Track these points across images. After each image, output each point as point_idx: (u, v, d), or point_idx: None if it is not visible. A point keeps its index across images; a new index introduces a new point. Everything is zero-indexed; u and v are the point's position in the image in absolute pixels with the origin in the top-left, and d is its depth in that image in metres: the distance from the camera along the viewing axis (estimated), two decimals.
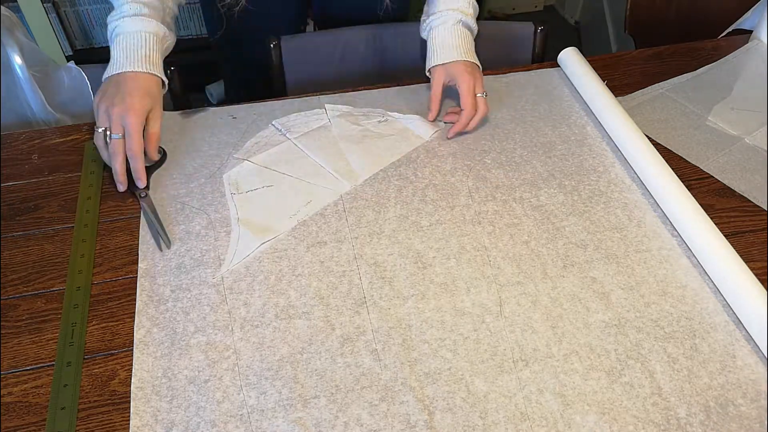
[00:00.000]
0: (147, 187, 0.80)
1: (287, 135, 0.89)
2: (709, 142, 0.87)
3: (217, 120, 0.92)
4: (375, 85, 0.99)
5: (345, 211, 0.78)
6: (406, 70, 0.97)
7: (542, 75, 1.01)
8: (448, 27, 0.91)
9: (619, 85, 0.97)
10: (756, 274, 0.65)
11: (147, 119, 0.79)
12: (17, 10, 1.75)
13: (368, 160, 0.84)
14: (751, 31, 1.09)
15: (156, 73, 0.81)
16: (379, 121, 0.90)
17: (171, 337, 0.64)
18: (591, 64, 0.97)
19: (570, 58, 0.99)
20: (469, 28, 0.93)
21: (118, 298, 0.68)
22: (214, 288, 0.69)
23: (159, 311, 0.67)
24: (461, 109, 0.86)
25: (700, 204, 0.73)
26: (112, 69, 0.80)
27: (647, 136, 0.85)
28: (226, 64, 1.34)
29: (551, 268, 0.71)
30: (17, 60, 0.95)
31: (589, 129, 0.90)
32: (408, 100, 0.95)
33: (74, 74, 1.01)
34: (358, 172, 0.83)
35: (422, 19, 0.97)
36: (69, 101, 1.01)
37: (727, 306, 0.67)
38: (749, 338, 0.64)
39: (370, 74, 1.19)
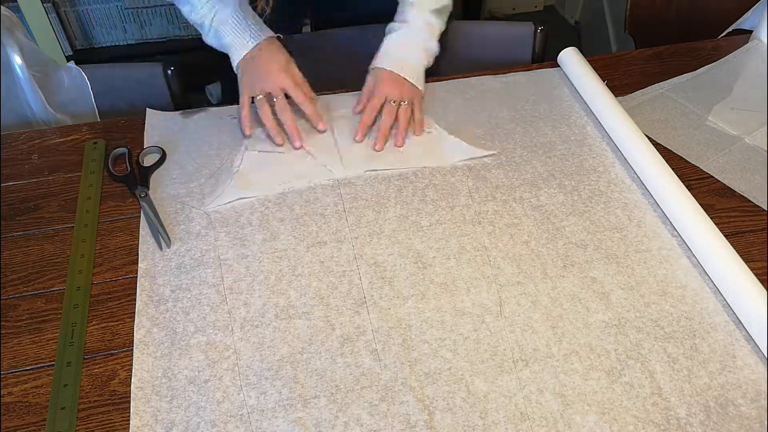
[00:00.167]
0: (147, 187, 0.81)
1: (330, 113, 0.91)
2: (709, 142, 0.87)
3: (217, 120, 0.92)
4: None
5: (345, 211, 0.78)
6: None
7: (542, 75, 1.01)
8: (395, 38, 0.93)
9: (619, 85, 0.97)
10: (756, 274, 0.65)
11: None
12: (17, 10, 1.75)
13: (382, 159, 0.84)
14: (751, 31, 1.09)
15: (268, 35, 0.88)
16: (425, 131, 0.89)
17: (171, 337, 0.64)
18: (591, 64, 0.97)
19: (570, 58, 0.99)
20: (421, 42, 0.92)
21: (118, 298, 0.68)
22: (214, 288, 0.69)
23: (159, 311, 0.67)
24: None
25: (700, 204, 0.73)
26: (238, 54, 0.87)
27: (647, 136, 0.85)
28: (226, 64, 1.34)
29: (551, 268, 0.71)
30: (17, 60, 0.95)
31: (589, 129, 0.90)
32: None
33: (74, 74, 1.01)
34: (361, 164, 0.83)
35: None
36: (69, 101, 1.01)
37: (727, 306, 0.67)
38: (749, 338, 0.64)
39: None
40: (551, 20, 2.52)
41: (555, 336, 0.64)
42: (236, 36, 0.87)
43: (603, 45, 2.21)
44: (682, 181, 0.76)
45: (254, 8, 0.94)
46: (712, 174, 0.82)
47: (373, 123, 0.88)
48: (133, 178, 0.82)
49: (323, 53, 1.18)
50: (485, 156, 0.84)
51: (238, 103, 0.92)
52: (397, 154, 0.85)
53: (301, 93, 0.86)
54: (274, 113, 0.86)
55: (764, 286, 0.65)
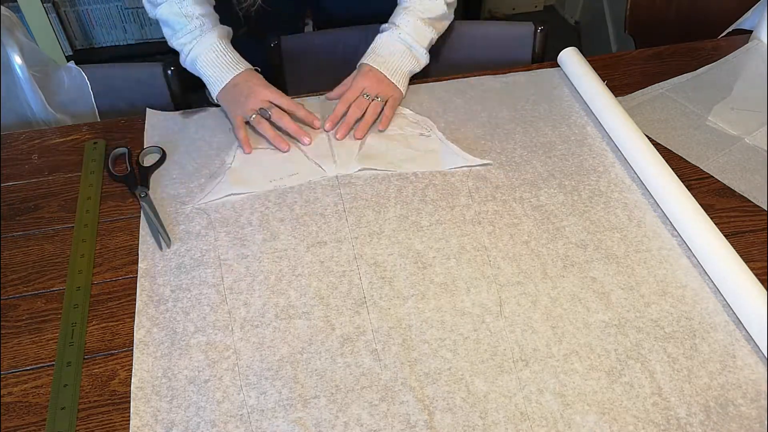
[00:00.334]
0: (147, 187, 0.81)
1: (326, 111, 0.92)
2: (709, 142, 0.87)
3: (217, 120, 0.92)
4: None
5: (345, 211, 0.78)
6: None
7: (542, 75, 1.01)
8: (383, 38, 0.95)
9: (619, 85, 0.97)
10: (756, 274, 0.65)
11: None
12: (17, 10, 1.75)
13: (375, 159, 0.84)
14: (751, 31, 1.09)
15: (246, 68, 0.90)
16: (421, 134, 0.89)
17: (171, 337, 0.64)
18: (591, 64, 0.97)
19: (570, 58, 0.99)
20: (408, 47, 0.94)
21: (118, 298, 0.68)
22: (214, 288, 0.69)
23: (159, 311, 0.67)
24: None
25: (700, 204, 0.73)
26: (215, 86, 0.90)
27: (647, 136, 0.85)
28: None
29: (551, 268, 0.71)
30: (17, 60, 0.95)
31: (589, 129, 0.90)
32: (406, 100, 0.95)
33: (74, 74, 1.01)
34: (353, 163, 0.84)
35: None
36: (69, 101, 1.01)
37: (727, 306, 0.67)
38: (749, 338, 0.64)
39: None
40: (551, 20, 2.51)
41: (555, 336, 0.64)
42: (215, 68, 0.89)
43: (603, 45, 2.21)
44: (682, 181, 0.76)
45: (244, 1, 0.95)
46: (712, 174, 0.82)
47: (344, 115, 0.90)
48: (133, 178, 0.82)
49: (324, 53, 1.18)
50: (481, 165, 0.84)
51: None
52: (391, 156, 0.85)
53: (287, 100, 0.88)
54: (272, 125, 0.88)
55: (764, 286, 0.65)
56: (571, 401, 0.59)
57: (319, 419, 0.58)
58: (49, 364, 0.63)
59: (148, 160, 0.85)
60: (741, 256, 0.67)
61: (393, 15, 0.96)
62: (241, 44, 1.20)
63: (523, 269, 0.71)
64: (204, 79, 0.90)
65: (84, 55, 2.14)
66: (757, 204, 0.78)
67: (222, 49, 0.89)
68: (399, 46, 0.93)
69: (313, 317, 0.66)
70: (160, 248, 0.73)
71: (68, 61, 1.06)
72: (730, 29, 1.16)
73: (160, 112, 0.93)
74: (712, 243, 0.69)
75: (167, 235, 0.74)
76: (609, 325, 0.65)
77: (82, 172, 0.84)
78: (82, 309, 0.67)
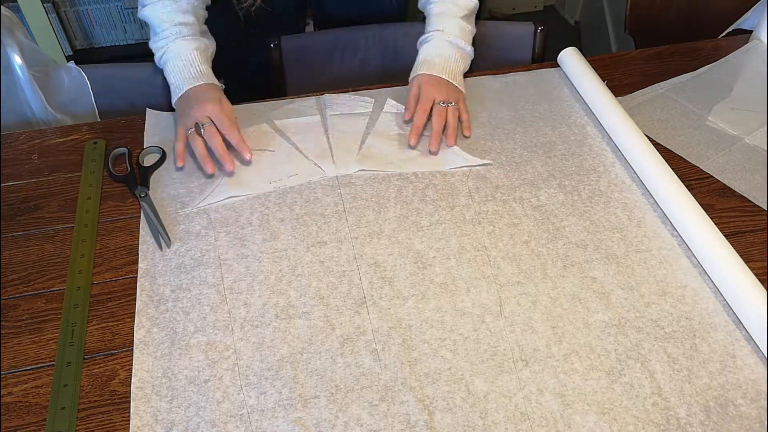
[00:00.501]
0: (147, 187, 0.81)
1: (326, 110, 0.92)
2: (709, 142, 0.87)
3: None
4: (375, 85, 0.99)
5: (345, 211, 0.78)
6: (406, 70, 0.97)
7: (542, 75, 1.01)
8: (432, 46, 0.94)
9: (619, 85, 0.97)
10: (756, 274, 0.65)
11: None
12: (17, 10, 1.75)
13: (375, 159, 0.84)
14: (751, 31, 1.09)
15: (210, 82, 0.88)
16: (422, 134, 0.88)
17: (171, 337, 0.64)
18: (591, 64, 0.97)
19: (570, 58, 0.99)
20: (457, 48, 0.94)
21: (118, 298, 0.68)
22: (214, 288, 0.69)
23: (159, 311, 0.67)
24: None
25: (700, 204, 0.73)
26: (175, 94, 0.88)
27: (647, 136, 0.85)
28: (226, 64, 1.34)
29: (551, 268, 0.71)
30: (17, 60, 0.95)
31: (589, 129, 0.90)
32: (407, 100, 0.95)
33: (74, 74, 1.01)
34: (353, 163, 0.83)
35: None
36: (69, 101, 1.01)
37: (727, 306, 0.67)
38: (749, 338, 0.64)
39: (370, 74, 1.19)
40: (551, 20, 2.52)
41: (555, 336, 0.64)
42: (178, 76, 0.88)
43: (603, 45, 2.21)
44: (682, 181, 0.76)
45: (244, 1, 0.95)
46: (712, 174, 0.82)
47: (425, 126, 0.88)
48: (133, 178, 0.82)
49: (324, 53, 1.18)
50: (481, 165, 0.84)
51: (238, 103, 0.93)
52: (391, 156, 0.85)
53: (225, 120, 0.83)
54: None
55: (764, 286, 0.65)
56: (571, 401, 0.59)
57: (319, 419, 0.58)
58: (49, 364, 0.63)
59: (148, 160, 0.85)
60: (741, 256, 0.67)
61: (430, 23, 0.96)
62: (241, 44, 1.20)
63: (523, 269, 0.71)
64: (169, 86, 0.90)
65: (84, 55, 2.14)
66: (757, 204, 0.78)
67: (190, 60, 0.88)
68: (449, 50, 0.94)
69: (313, 317, 0.66)
70: (160, 248, 0.73)
71: (68, 61, 1.06)
72: (730, 29, 1.16)
73: (160, 112, 0.93)
74: (712, 243, 0.69)
75: (167, 235, 0.74)
76: (609, 325, 0.65)
77: (82, 172, 0.84)
78: (82, 309, 0.67)
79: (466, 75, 0.99)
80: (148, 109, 0.94)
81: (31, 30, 1.78)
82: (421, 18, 1.03)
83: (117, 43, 2.18)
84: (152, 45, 0.91)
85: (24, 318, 0.67)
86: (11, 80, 0.95)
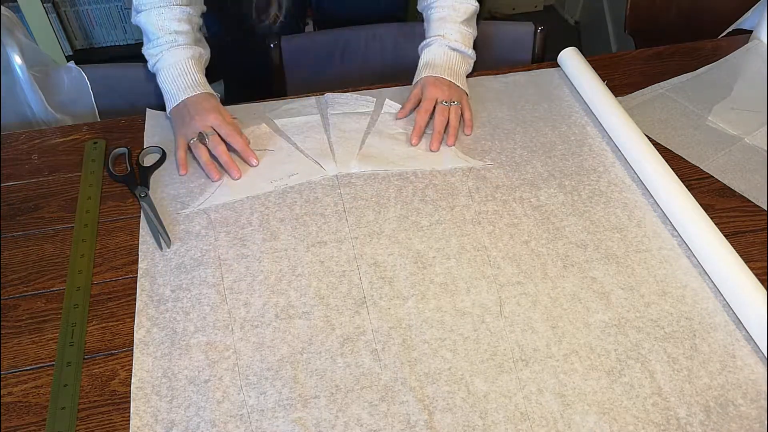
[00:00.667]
0: (147, 187, 0.81)
1: (327, 109, 0.92)
2: (709, 142, 0.87)
3: None
4: (375, 85, 0.99)
5: (345, 211, 0.78)
6: (406, 70, 0.97)
7: (542, 75, 1.01)
8: (433, 50, 0.95)
9: (619, 85, 0.97)
10: (756, 274, 0.65)
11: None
12: (17, 10, 1.75)
13: (375, 159, 0.84)
14: (751, 31, 1.09)
15: (205, 91, 0.88)
16: (426, 132, 0.89)
17: (171, 337, 0.64)
18: (591, 64, 0.97)
19: (570, 58, 0.99)
20: (458, 52, 0.95)
21: (118, 298, 0.68)
22: (214, 288, 0.69)
23: (159, 311, 0.67)
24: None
25: (700, 204, 0.73)
26: (170, 103, 0.88)
27: (647, 136, 0.85)
28: (226, 64, 1.34)
29: (551, 268, 0.71)
30: (17, 60, 0.95)
31: (589, 129, 0.90)
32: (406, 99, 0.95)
33: (74, 74, 1.01)
34: (354, 162, 0.84)
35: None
36: (69, 101, 1.01)
37: (727, 306, 0.67)
38: (749, 338, 0.64)
39: (370, 74, 1.19)
40: (551, 20, 2.52)
41: (555, 336, 0.64)
42: (173, 85, 0.88)
43: (603, 45, 2.21)
44: (682, 181, 0.76)
45: (267, 17, 0.95)
46: (712, 174, 0.82)
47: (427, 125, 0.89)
48: (133, 178, 0.82)
49: (324, 53, 1.18)
50: (481, 165, 0.84)
51: (238, 103, 0.93)
52: (391, 155, 0.85)
53: (230, 128, 0.84)
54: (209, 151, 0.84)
55: (764, 286, 0.65)
56: (571, 401, 0.59)
57: (319, 419, 0.58)
58: (49, 364, 0.63)
59: (148, 160, 0.85)
60: (741, 256, 0.67)
61: (430, 26, 0.96)
62: (241, 44, 1.21)
63: (523, 269, 0.71)
64: (163, 94, 0.89)
65: (84, 55, 2.14)
66: (757, 204, 0.78)
67: (185, 69, 0.88)
68: (451, 54, 0.94)
69: (313, 317, 0.66)
70: (160, 248, 0.73)
71: (68, 61, 1.06)
72: (730, 29, 1.16)
73: (160, 112, 0.93)
74: (712, 243, 0.69)
75: (167, 235, 0.74)
76: (609, 325, 0.65)
77: (82, 172, 0.84)
78: (82, 309, 0.67)
79: (466, 76, 0.99)
80: (148, 109, 0.94)
81: (31, 30, 1.78)
82: (420, 18, 1.03)
83: (117, 43, 2.18)
84: (146, 51, 0.91)
85: (24, 318, 0.67)
86: (11, 80, 0.95)
